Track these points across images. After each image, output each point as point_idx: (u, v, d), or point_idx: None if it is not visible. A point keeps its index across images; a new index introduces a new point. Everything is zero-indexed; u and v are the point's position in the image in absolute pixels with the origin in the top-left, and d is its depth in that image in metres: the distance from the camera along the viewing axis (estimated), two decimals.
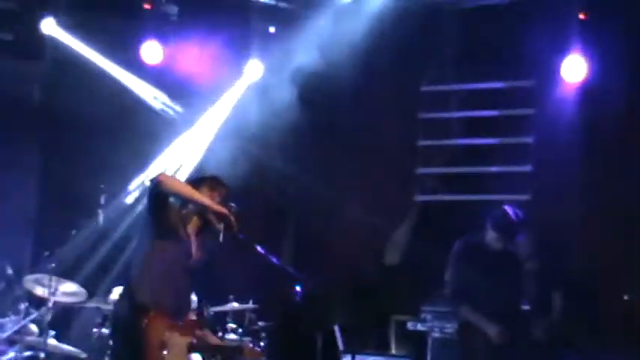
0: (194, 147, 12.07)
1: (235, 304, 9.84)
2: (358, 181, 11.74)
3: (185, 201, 6.91)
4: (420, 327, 10.46)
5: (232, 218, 6.82)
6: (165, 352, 6.72)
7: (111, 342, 8.45)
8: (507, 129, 11.53)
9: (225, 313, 9.79)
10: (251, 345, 9.45)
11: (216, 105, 12.15)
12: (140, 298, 6.77)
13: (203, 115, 12.11)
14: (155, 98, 11.99)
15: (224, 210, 6.84)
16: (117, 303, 7.12)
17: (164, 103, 12.02)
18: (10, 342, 9.19)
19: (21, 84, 11.52)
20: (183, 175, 11.44)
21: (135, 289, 6.83)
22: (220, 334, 9.43)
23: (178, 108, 12.05)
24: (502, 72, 11.52)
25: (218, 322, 9.59)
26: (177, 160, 11.92)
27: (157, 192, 6.82)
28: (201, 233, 7.19)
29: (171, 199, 6.95)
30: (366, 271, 12.10)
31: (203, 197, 6.92)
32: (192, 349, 7.05)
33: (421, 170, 12.02)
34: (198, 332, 7.12)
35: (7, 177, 10.56)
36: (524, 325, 8.72)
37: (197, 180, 7.33)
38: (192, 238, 7.12)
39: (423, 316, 10.47)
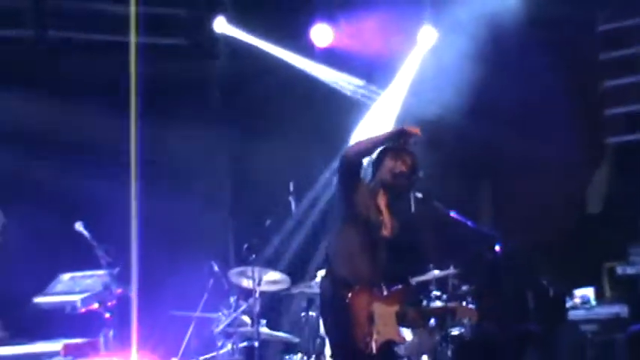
0: (383, 121, 12.04)
1: (436, 272, 9.80)
2: (547, 131, 11.49)
3: (373, 150, 6.95)
4: (629, 270, 10.22)
5: (408, 129, 6.87)
6: (374, 324, 6.78)
7: (321, 322, 8.67)
8: None
9: (427, 282, 9.78)
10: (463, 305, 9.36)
11: (397, 77, 12.09)
12: (340, 275, 6.87)
13: (387, 90, 12.07)
14: (346, 82, 12.00)
15: (397, 129, 6.91)
16: (321, 284, 7.22)
17: (352, 84, 12.03)
18: (226, 335, 9.44)
19: (202, 85, 11.77)
20: None
21: (334, 268, 6.93)
22: (425, 302, 9.43)
23: (373, 87, 12.03)
24: None
25: (421, 292, 9.59)
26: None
27: (345, 165, 6.88)
28: (393, 205, 7.22)
29: (362, 174, 7.02)
30: (569, 221, 11.87)
31: (381, 135, 6.97)
32: (401, 317, 7.06)
33: (609, 111, 11.69)
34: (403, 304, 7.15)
35: (200, 179, 10.85)
36: None
37: (381, 151, 7.35)
38: (384, 211, 7.14)
39: (631, 259, 10.22)
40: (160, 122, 10.64)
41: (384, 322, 6.88)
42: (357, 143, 6.98)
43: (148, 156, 10.03)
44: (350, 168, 6.89)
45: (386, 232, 7.10)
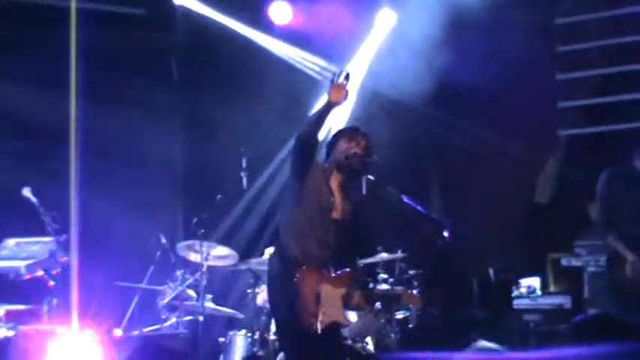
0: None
1: (384, 255, 9.82)
2: (501, 120, 11.55)
3: (322, 121, 6.84)
4: (574, 262, 10.31)
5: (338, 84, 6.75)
6: (320, 305, 6.81)
7: (267, 299, 8.70)
8: None
9: (375, 264, 9.80)
10: (409, 291, 9.40)
11: (354, 59, 12.08)
12: (290, 253, 6.87)
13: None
14: (305, 60, 11.95)
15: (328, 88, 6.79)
16: (269, 261, 7.21)
17: (304, 59, 11.99)
18: (171, 308, 9.40)
19: (158, 55, 11.68)
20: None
21: (284, 246, 6.94)
22: (372, 285, 9.45)
23: (323, 62, 11.98)
24: None
25: (369, 274, 9.61)
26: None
27: (299, 144, 6.86)
28: (345, 187, 7.22)
29: (316, 154, 7.00)
30: (517, 210, 11.97)
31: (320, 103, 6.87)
32: (347, 300, 7.09)
33: (563, 104, 11.77)
34: (350, 286, 7.16)
35: (153, 150, 10.77)
36: None
37: (336, 133, 7.34)
38: (336, 193, 7.14)
39: (577, 251, 10.31)
40: (113, 91, 10.57)
41: (331, 303, 6.92)
42: (306, 121, 6.95)
43: (99, 124, 10.05)
44: (303, 147, 6.86)
45: (337, 213, 7.10)
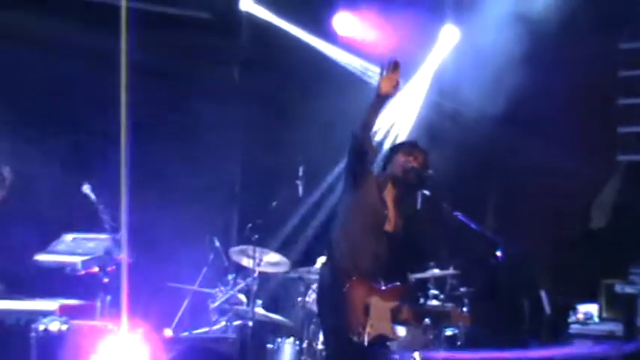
0: (402, 114, 12.04)
1: (436, 271, 9.82)
2: (562, 141, 11.47)
3: (375, 117, 6.84)
4: (628, 289, 10.20)
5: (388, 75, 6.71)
6: (369, 317, 6.82)
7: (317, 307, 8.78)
8: None
9: (426, 280, 9.79)
10: (458, 310, 9.38)
11: (418, 72, 12.10)
12: (341, 264, 6.89)
13: (407, 84, 12.06)
14: (368, 71, 11.97)
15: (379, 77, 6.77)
16: (320, 270, 7.24)
17: (368, 69, 12.00)
18: (221, 311, 9.47)
19: (223, 59, 11.76)
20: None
21: (336, 256, 6.98)
22: (422, 300, 9.45)
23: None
24: None
25: (419, 289, 9.60)
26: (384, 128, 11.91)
27: (355, 143, 6.86)
28: (400, 201, 7.23)
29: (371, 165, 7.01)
30: (572, 234, 11.88)
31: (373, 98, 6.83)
32: (396, 314, 7.10)
33: (623, 129, 11.68)
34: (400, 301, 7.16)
35: (212, 154, 10.84)
36: None
37: (394, 146, 7.35)
38: (390, 206, 7.15)
39: (631, 278, 10.21)
40: (178, 88, 10.66)
41: (379, 316, 6.93)
42: (361, 118, 6.88)
43: (156, 125, 10.14)
44: (359, 146, 6.86)
45: (389, 227, 7.12)
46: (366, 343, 6.77)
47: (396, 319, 7.18)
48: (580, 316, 10.33)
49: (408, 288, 7.40)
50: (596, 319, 10.22)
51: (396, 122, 12.04)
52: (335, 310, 6.87)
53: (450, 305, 9.50)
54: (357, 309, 6.82)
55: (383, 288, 7.05)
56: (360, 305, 6.84)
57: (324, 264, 7.19)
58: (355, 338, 6.76)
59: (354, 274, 6.88)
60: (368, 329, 6.80)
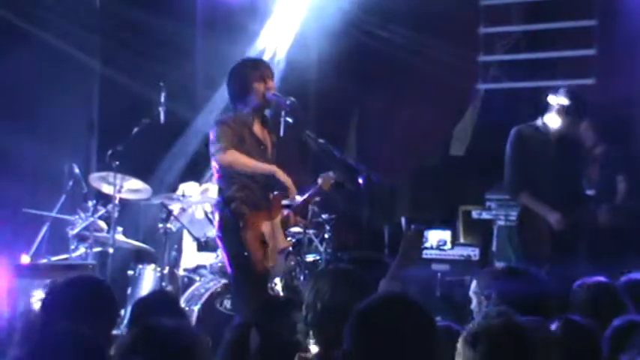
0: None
1: (298, 197, 9.83)
2: (420, 70, 11.59)
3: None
4: (485, 215, 10.43)
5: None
6: (267, 245, 7.18)
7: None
8: (570, 13, 11.28)
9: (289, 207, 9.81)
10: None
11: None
12: (234, 205, 7.15)
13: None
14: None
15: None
16: (217, 204, 7.41)
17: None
18: (81, 238, 9.32)
19: None
20: None
21: (226, 198, 7.24)
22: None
23: None
24: None
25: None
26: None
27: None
28: (266, 122, 7.54)
29: None
30: (432, 162, 12.08)
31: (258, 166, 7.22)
32: (285, 222, 7.62)
33: (483, 57, 11.86)
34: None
35: (69, 81, 10.54)
36: (587, 211, 8.56)
37: (240, 76, 7.42)
38: (262, 135, 7.46)
39: (488, 204, 10.44)
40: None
41: (274, 235, 7.27)
42: (235, 161, 7.13)
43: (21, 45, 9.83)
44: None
45: (270, 155, 7.51)
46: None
47: (287, 228, 7.84)
48: (433, 241, 10.49)
49: (281, 195, 7.51)
50: (449, 245, 10.41)
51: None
52: (240, 243, 7.10)
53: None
54: (255, 244, 7.10)
55: (268, 207, 7.32)
56: (257, 240, 7.11)
57: (217, 205, 7.40)
58: (262, 270, 7.15)
59: (248, 214, 7.13)
60: (270, 261, 7.19)
